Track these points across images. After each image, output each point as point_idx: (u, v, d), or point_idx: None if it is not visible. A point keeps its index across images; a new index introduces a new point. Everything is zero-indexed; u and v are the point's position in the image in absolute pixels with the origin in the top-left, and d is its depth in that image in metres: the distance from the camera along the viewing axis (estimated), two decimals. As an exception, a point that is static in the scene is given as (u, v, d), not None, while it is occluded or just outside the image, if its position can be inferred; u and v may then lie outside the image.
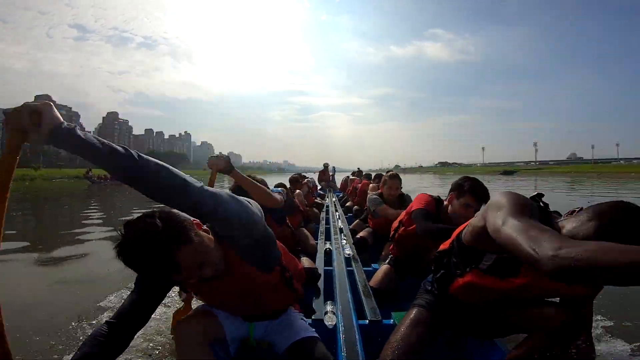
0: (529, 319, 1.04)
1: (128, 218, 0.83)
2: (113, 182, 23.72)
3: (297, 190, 3.41)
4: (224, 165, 1.63)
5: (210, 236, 0.91)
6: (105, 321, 0.91)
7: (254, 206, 0.96)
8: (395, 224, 2.06)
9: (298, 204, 2.91)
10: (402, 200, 2.66)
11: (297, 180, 3.88)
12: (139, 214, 0.81)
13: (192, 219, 0.88)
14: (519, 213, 0.75)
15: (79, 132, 0.71)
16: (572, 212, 0.88)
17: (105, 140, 0.72)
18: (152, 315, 0.98)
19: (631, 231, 0.75)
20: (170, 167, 0.77)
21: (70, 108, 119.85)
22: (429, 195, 1.87)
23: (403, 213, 2.01)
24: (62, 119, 0.71)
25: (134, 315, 0.93)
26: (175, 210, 0.83)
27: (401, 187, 2.72)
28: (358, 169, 7.44)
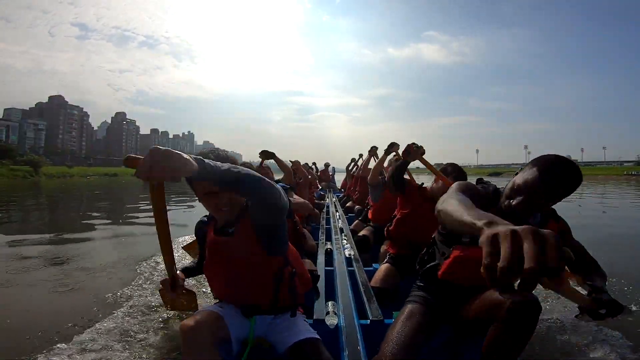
0: (487, 306, 1.02)
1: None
2: None
3: (302, 180, 3.33)
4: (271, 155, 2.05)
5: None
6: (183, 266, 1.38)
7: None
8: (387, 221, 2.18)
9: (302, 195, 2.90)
10: None
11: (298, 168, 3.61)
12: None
13: None
14: (463, 192, 0.89)
15: (209, 164, 0.74)
16: (517, 172, 1.06)
17: (224, 165, 0.80)
18: (159, 315, 0.97)
19: (558, 171, 0.94)
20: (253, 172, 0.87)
21: (82, 109, 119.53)
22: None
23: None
24: (192, 162, 0.69)
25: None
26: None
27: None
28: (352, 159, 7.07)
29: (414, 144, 1.98)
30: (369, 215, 2.96)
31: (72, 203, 11.79)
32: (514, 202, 1.02)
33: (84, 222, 6.77)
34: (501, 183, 1.21)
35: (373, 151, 3.62)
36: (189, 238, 3.70)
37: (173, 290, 1.20)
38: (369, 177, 2.77)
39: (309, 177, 3.10)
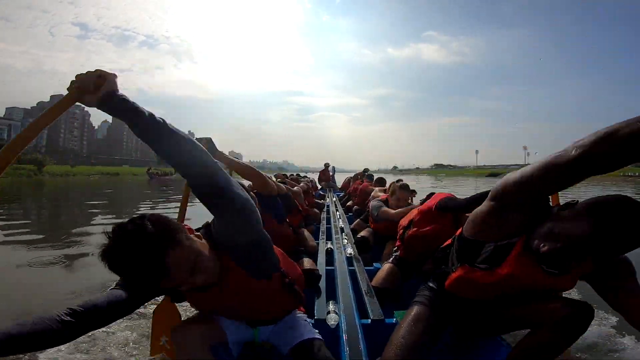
0: (534, 312, 0.99)
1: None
2: (168, 178, 27.58)
3: (295, 188, 3.22)
4: (206, 144, 1.44)
5: (204, 241, 0.86)
6: (69, 307, 0.74)
7: (254, 203, 0.91)
8: (405, 222, 1.96)
9: (297, 203, 2.81)
10: None
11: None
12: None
13: (184, 224, 0.85)
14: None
15: (129, 99, 0.76)
16: (567, 205, 0.87)
17: (147, 110, 0.77)
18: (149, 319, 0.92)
19: (627, 228, 0.74)
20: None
21: (84, 108, 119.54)
22: (446, 193, 1.85)
23: (415, 211, 1.92)
24: (118, 88, 0.76)
25: (105, 311, 0.78)
26: (165, 215, 0.80)
27: (410, 200, 2.51)
28: (365, 169, 6.80)
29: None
30: (371, 226, 2.89)
31: (86, 200, 11.96)
32: (545, 247, 0.85)
33: (94, 218, 6.87)
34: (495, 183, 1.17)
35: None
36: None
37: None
38: (395, 216, 2.30)
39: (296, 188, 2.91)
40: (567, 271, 0.93)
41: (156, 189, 17.66)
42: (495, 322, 1.09)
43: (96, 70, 0.74)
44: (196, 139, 1.54)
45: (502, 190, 0.86)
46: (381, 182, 4.24)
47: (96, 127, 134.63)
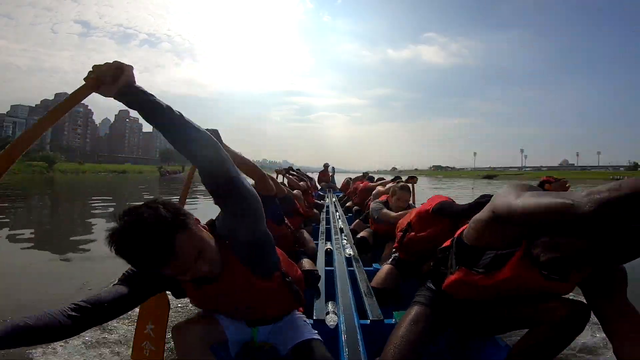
0: (533, 312, 0.99)
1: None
2: (177, 176, 28.80)
3: (295, 191, 3.28)
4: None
5: (209, 234, 0.87)
6: (74, 302, 0.76)
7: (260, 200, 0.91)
8: (403, 224, 1.96)
9: (298, 205, 2.79)
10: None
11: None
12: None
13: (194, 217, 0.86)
14: (528, 191, 0.77)
15: (147, 90, 0.75)
16: None
17: (164, 102, 0.76)
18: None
19: (626, 240, 0.67)
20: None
21: (87, 106, 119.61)
22: (444, 197, 1.86)
23: (413, 214, 1.93)
24: (135, 80, 0.75)
25: (108, 307, 0.79)
26: (175, 202, 0.83)
27: (412, 201, 2.53)
28: (364, 174, 6.65)
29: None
30: (371, 227, 2.89)
31: (104, 196, 12.36)
32: (544, 257, 0.81)
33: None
34: (493, 184, 1.16)
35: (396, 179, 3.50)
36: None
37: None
38: (391, 217, 2.38)
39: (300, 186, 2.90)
40: (567, 278, 0.92)
41: (165, 185, 18.55)
42: (494, 322, 1.09)
43: (114, 61, 0.73)
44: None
45: (503, 210, 0.81)
46: (371, 179, 4.25)
47: (97, 124, 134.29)
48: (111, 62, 0.73)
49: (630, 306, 0.87)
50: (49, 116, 0.71)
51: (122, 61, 0.73)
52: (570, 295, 1.02)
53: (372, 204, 2.66)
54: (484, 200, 1.41)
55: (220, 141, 1.46)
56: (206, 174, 0.81)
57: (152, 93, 0.76)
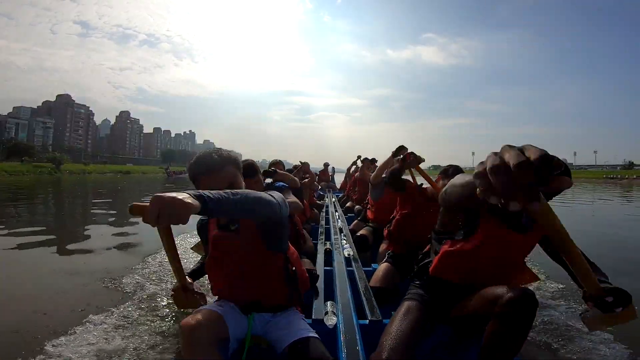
0: (484, 301, 1.01)
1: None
2: (182, 176, 30.27)
3: (304, 181, 3.19)
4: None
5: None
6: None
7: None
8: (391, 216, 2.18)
9: (305, 203, 2.80)
10: None
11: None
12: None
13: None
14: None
15: (210, 198, 0.74)
16: None
17: (223, 194, 0.79)
18: (159, 313, 0.97)
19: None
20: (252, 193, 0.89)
21: (89, 107, 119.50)
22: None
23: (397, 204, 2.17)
24: (194, 201, 0.71)
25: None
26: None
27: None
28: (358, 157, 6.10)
29: (412, 153, 2.07)
30: (369, 215, 2.95)
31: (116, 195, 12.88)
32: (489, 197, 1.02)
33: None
34: None
35: (373, 162, 4.02)
36: (192, 236, 3.71)
37: (185, 295, 1.19)
38: (371, 177, 2.72)
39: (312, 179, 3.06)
40: (527, 229, 1.05)
41: (174, 183, 20.02)
42: (472, 317, 1.10)
43: (175, 198, 0.68)
44: (263, 171, 1.90)
45: (441, 201, 1.04)
46: (373, 161, 4.21)
47: (98, 124, 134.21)
48: (149, 205, 0.67)
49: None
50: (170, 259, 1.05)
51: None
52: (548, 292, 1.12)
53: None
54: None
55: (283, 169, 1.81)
56: (265, 222, 1.04)
57: (218, 192, 0.78)
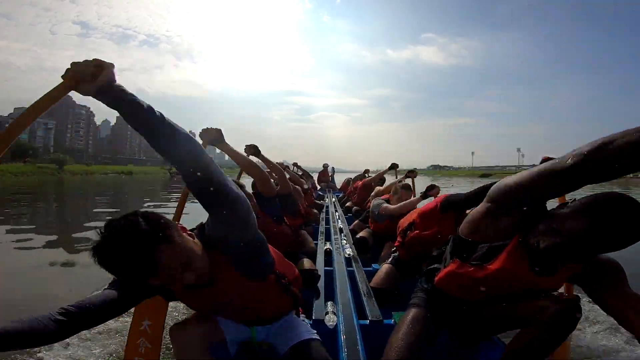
0: (522, 311, 0.98)
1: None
2: None
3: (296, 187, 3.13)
4: (216, 134, 1.43)
5: (197, 241, 0.85)
6: (62, 307, 0.74)
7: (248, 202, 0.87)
8: (405, 224, 1.93)
9: (300, 207, 2.75)
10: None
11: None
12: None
13: (178, 223, 0.84)
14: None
15: (127, 90, 0.71)
16: (564, 204, 0.87)
17: (145, 102, 0.72)
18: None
19: (622, 224, 0.74)
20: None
21: (89, 108, 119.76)
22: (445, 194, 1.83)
23: (415, 213, 1.90)
24: (115, 78, 0.71)
25: (97, 311, 0.77)
26: (158, 212, 0.79)
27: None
28: (366, 170, 6.39)
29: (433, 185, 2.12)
30: (370, 227, 2.87)
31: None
32: (543, 244, 0.85)
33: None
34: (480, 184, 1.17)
35: (394, 167, 4.39)
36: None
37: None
38: (396, 208, 2.36)
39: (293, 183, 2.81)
40: (554, 272, 0.93)
41: (173, 183, 20.21)
42: (489, 322, 1.08)
43: (94, 59, 0.70)
44: (206, 128, 1.50)
45: (498, 192, 0.88)
46: (381, 182, 4.27)
47: (97, 125, 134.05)
48: (90, 59, 0.70)
49: (635, 294, 0.88)
50: (26, 114, 0.70)
51: (102, 59, 0.69)
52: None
53: (373, 202, 2.66)
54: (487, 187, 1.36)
55: (223, 140, 1.48)
56: (189, 179, 0.77)
57: (133, 92, 0.71)
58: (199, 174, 0.75)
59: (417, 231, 1.81)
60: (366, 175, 5.53)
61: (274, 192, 1.83)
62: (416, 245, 1.82)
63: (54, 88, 0.71)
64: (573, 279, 0.97)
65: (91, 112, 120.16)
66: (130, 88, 0.72)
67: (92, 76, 0.69)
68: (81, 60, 0.69)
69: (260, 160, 1.84)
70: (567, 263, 0.91)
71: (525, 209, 0.86)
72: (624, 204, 0.75)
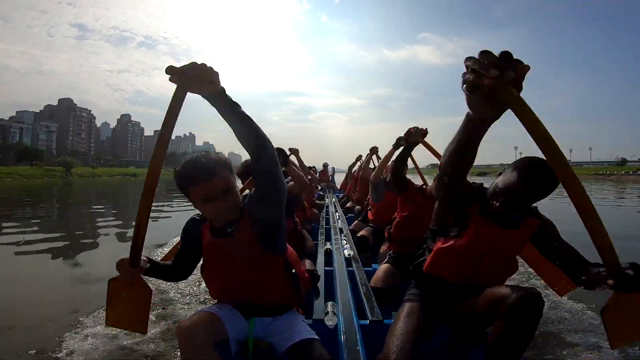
0: (490, 301, 1.01)
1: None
2: None
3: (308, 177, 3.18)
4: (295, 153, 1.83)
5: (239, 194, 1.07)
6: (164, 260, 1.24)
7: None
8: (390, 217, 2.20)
9: (305, 202, 2.78)
10: None
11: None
12: None
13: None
14: None
15: (226, 95, 0.88)
16: (500, 173, 1.11)
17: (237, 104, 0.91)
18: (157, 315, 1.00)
19: (539, 174, 0.97)
20: None
21: (90, 111, 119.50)
22: None
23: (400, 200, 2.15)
24: (217, 83, 0.84)
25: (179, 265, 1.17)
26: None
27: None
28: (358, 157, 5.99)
29: (414, 127, 1.87)
30: (369, 216, 2.93)
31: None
32: (497, 203, 1.07)
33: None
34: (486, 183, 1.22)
35: (374, 151, 3.56)
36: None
37: (132, 267, 1.00)
38: (372, 175, 2.67)
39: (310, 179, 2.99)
40: (517, 225, 1.10)
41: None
42: (474, 312, 1.10)
43: (210, 67, 0.81)
44: (289, 148, 2.08)
45: (440, 173, 1.04)
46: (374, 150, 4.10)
47: (98, 127, 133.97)
48: (204, 65, 0.81)
49: (567, 243, 1.09)
50: (166, 122, 0.88)
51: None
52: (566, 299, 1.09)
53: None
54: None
55: (287, 156, 1.90)
56: (259, 159, 0.96)
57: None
58: (268, 157, 0.95)
59: (399, 213, 2.13)
60: (358, 162, 5.40)
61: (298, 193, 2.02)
62: (403, 233, 2.06)
63: (175, 95, 0.85)
64: (535, 237, 1.12)
65: (92, 114, 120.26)
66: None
67: (211, 82, 0.82)
68: (199, 64, 0.81)
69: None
70: (522, 215, 1.11)
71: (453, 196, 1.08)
72: (537, 160, 0.98)
